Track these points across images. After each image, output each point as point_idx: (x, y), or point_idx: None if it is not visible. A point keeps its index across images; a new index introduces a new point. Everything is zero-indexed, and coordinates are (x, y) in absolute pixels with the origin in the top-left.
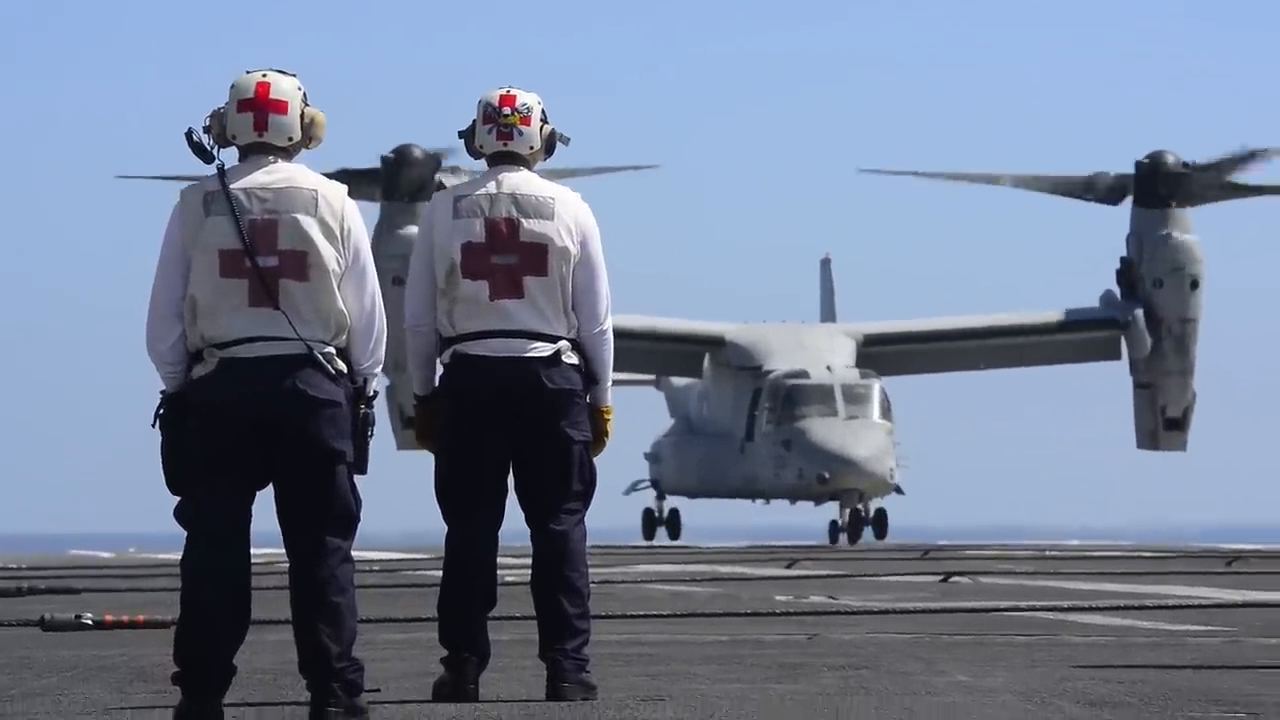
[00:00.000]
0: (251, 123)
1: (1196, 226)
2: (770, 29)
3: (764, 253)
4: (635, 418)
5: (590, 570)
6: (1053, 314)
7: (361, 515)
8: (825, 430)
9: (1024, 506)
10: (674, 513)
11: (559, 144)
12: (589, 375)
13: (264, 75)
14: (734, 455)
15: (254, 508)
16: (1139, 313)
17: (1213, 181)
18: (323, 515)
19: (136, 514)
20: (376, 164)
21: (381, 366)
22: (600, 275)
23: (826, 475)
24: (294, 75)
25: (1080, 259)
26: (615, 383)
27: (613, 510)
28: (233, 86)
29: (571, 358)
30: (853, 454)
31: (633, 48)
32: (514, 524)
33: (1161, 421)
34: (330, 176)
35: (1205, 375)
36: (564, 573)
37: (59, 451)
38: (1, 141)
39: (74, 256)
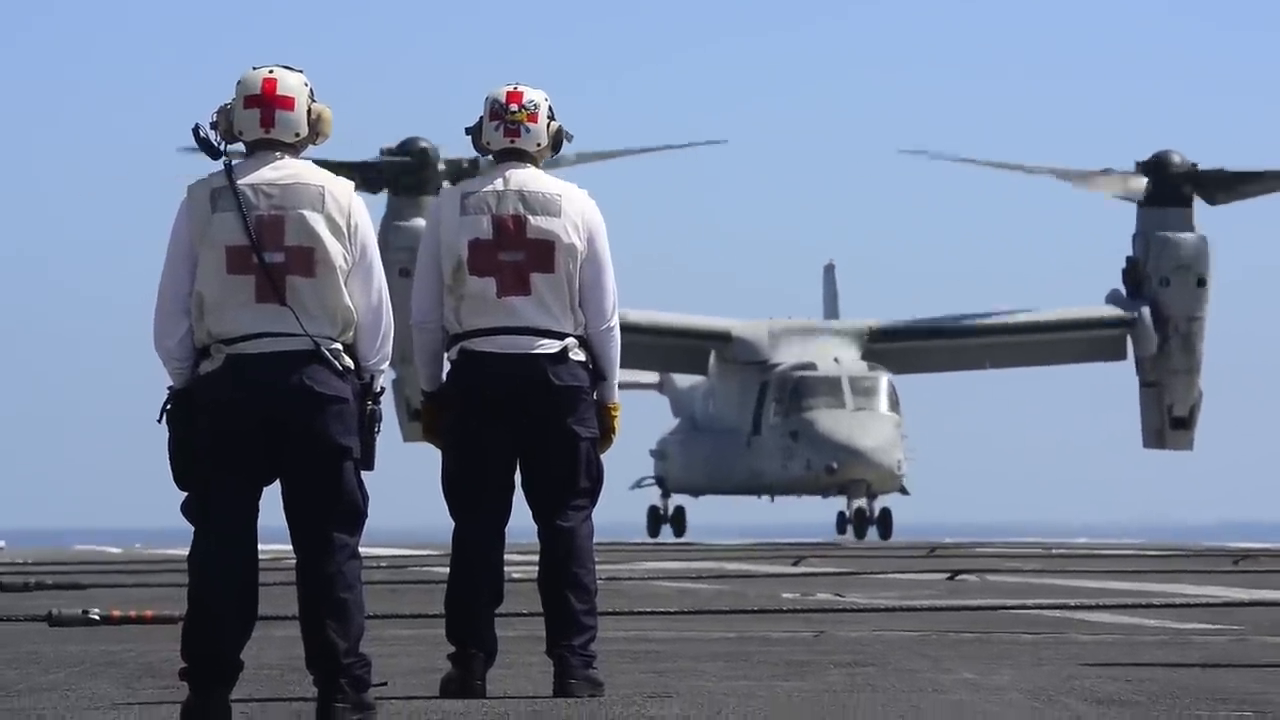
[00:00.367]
0: (258, 119)
1: (1202, 223)
2: (771, 29)
3: (765, 250)
4: (641, 415)
5: (597, 567)
6: (1059, 312)
7: (369, 511)
8: (833, 421)
9: (1030, 505)
10: (679, 510)
11: (564, 141)
12: (596, 372)
13: (270, 71)
14: (740, 450)
15: (261, 504)
16: (1145, 311)
17: (1219, 180)
18: (330, 511)
19: (143, 509)
20: (378, 157)
21: (389, 363)
22: (607, 272)
23: (834, 465)
24: (300, 71)
25: (1086, 258)
26: (619, 385)
27: (617, 507)
28: (239, 82)
29: (578, 354)
30: (860, 445)
31: (633, 44)
32: (521, 520)
33: (1168, 420)
34: (333, 168)
35: (1212, 374)
36: (571, 569)
37: (66, 447)
38: (9, 136)
39: (81, 251)
